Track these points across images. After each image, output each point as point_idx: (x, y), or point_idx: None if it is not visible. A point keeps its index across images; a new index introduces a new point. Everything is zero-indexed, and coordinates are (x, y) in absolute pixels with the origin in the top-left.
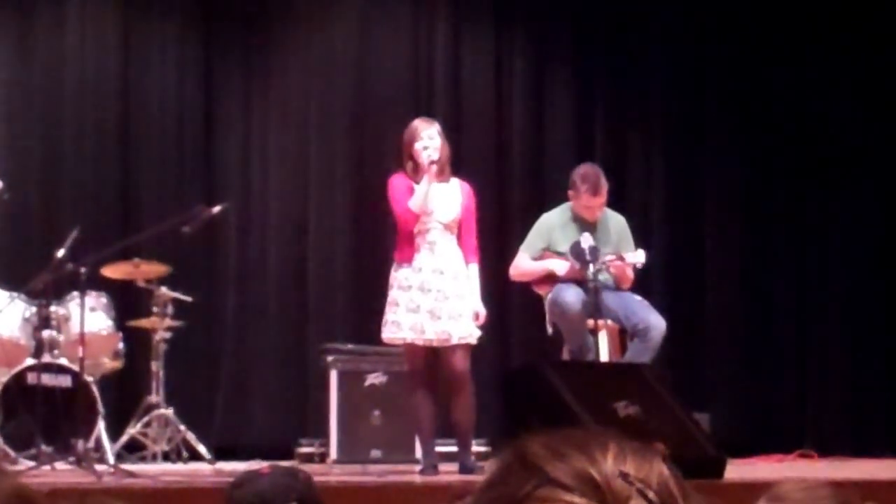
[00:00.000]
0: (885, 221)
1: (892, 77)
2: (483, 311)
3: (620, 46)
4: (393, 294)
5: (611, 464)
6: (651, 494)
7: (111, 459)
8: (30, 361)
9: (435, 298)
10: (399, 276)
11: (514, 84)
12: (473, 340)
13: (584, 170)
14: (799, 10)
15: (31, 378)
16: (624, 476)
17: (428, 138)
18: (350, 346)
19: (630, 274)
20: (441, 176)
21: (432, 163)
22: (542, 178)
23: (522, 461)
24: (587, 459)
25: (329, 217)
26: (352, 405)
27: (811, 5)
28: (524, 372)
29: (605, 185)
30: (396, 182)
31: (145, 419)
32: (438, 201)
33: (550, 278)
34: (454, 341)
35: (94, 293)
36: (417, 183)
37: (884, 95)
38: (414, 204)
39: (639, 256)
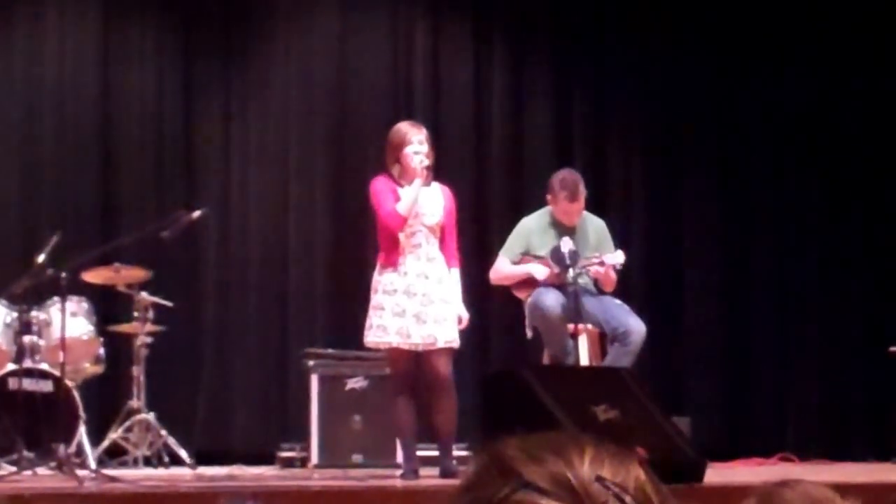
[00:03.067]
0: (866, 226)
1: (875, 90)
2: (466, 315)
3: (599, 51)
4: (378, 298)
5: (587, 468)
6: (628, 499)
7: (92, 464)
8: (11, 367)
9: (420, 302)
10: (384, 280)
11: (492, 89)
12: (457, 345)
13: (563, 175)
14: (779, 14)
15: (13, 383)
16: (600, 480)
17: (418, 143)
18: (331, 351)
19: (613, 276)
20: (425, 180)
21: (426, 168)
22: (521, 182)
23: (498, 464)
24: (564, 463)
25: (309, 222)
26: (332, 410)
27: (792, 9)
28: (504, 376)
29: (583, 191)
30: (380, 185)
31: (126, 424)
32: (424, 205)
33: (530, 282)
34: (440, 345)
35: (74, 298)
36: (401, 186)
37: (868, 104)
38: (403, 208)
39: (618, 257)
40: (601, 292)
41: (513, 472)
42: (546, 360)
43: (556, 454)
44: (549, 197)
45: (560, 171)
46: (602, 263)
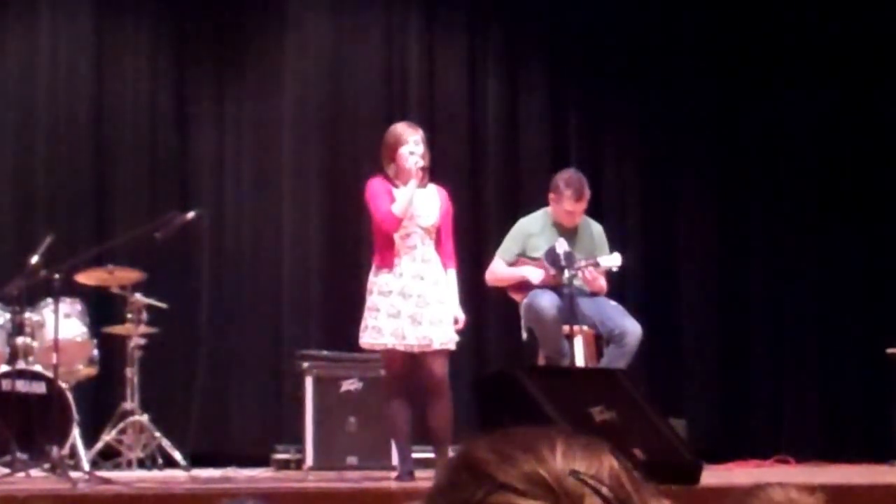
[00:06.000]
0: (863, 228)
1: (870, 98)
2: (462, 317)
3: (595, 50)
4: (373, 299)
5: (560, 462)
6: (604, 490)
7: (86, 466)
8: (4, 368)
9: (416, 304)
10: (379, 282)
11: (487, 89)
12: (453, 346)
13: (569, 175)
14: (777, 27)
15: (6, 385)
16: (574, 474)
17: (413, 143)
18: (325, 353)
19: (602, 283)
20: (421, 181)
21: (422, 168)
22: (516, 183)
23: (470, 468)
24: (536, 461)
25: (303, 223)
26: (327, 411)
27: (791, 22)
28: (498, 377)
29: (587, 192)
30: (376, 186)
31: (120, 426)
32: (420, 206)
33: (526, 284)
34: (435, 346)
35: (68, 300)
36: (397, 187)
37: (864, 113)
38: (399, 209)
39: (614, 260)
40: (596, 293)
41: (486, 476)
42: (541, 361)
43: (527, 452)
44: (551, 196)
45: (564, 170)
46: (597, 265)
